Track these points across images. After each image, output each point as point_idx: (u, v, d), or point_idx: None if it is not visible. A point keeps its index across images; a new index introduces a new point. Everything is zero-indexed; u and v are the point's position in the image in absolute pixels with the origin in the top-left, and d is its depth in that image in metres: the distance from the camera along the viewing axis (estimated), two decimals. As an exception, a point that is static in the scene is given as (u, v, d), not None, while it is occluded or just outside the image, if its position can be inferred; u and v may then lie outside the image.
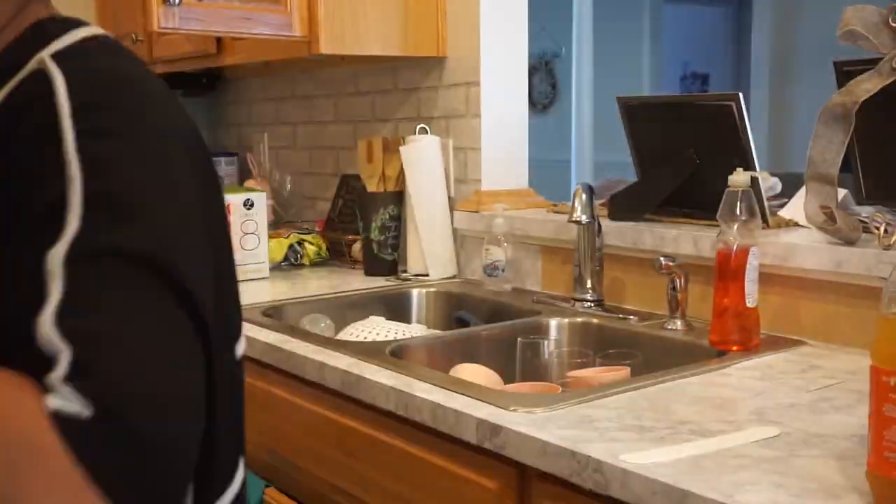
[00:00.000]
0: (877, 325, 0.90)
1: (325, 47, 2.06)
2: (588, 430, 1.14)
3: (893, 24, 1.41)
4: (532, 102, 8.74)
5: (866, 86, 1.43)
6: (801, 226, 1.68)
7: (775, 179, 1.93)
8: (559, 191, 3.39)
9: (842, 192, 1.66)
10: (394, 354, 1.57)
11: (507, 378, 1.66)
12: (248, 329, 1.67)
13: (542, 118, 8.52)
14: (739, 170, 1.51)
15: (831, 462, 1.03)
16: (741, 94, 1.71)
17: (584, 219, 1.78)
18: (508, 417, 1.18)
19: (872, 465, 0.90)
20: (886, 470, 0.87)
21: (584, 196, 1.77)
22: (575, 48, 7.20)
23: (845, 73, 1.52)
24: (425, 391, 1.32)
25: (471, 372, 1.54)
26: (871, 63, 1.46)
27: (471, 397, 1.28)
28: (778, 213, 1.77)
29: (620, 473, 1.02)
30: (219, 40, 2.41)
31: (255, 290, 2.07)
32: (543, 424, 1.15)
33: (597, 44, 7.90)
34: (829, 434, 1.11)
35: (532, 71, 8.67)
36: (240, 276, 0.95)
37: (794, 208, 1.70)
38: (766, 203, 1.72)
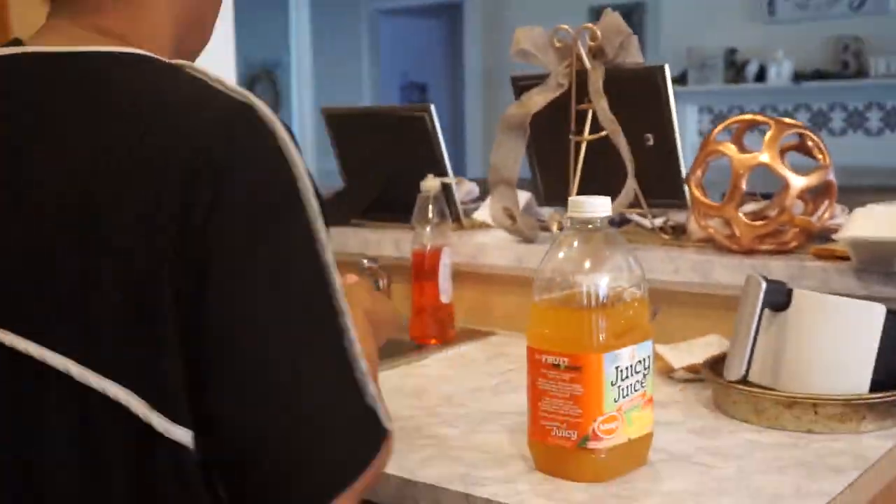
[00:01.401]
0: (530, 311, 0.96)
1: None
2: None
3: (558, 45, 1.51)
4: (255, 111, 8.66)
5: (537, 98, 1.52)
6: (491, 226, 1.74)
7: (472, 184, 2.00)
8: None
9: (526, 196, 1.74)
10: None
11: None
12: None
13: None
14: (430, 176, 1.56)
15: (504, 435, 1.08)
16: (433, 106, 1.76)
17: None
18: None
19: (531, 434, 0.96)
20: (542, 436, 0.94)
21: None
22: (294, 59, 7.17)
23: (520, 87, 1.59)
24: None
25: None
26: (542, 79, 1.55)
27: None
28: (473, 215, 1.83)
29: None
30: None
31: None
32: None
33: (316, 54, 8.01)
34: (506, 412, 1.16)
35: (254, 80, 8.59)
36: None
37: (486, 210, 1.76)
38: (459, 206, 1.78)
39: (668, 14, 6.19)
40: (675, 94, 5.49)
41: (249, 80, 8.61)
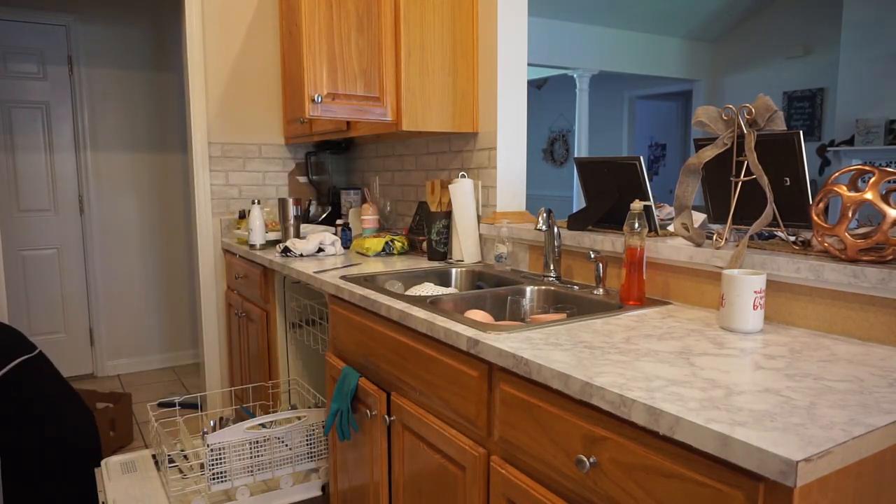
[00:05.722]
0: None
1: (406, 126, 2.12)
2: (526, 344, 1.18)
3: (725, 118, 1.41)
4: (553, 160, 8.70)
5: (709, 152, 1.43)
6: (676, 235, 1.66)
7: (670, 208, 1.91)
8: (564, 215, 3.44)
9: (702, 216, 1.64)
10: (431, 303, 1.61)
11: (499, 319, 1.69)
12: (353, 287, 1.76)
13: (559, 170, 8.51)
14: (637, 201, 1.53)
15: (659, 364, 1.05)
16: (641, 157, 1.70)
17: (543, 228, 1.79)
18: (484, 336, 1.23)
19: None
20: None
21: (544, 214, 1.79)
22: (577, 126, 7.15)
23: (698, 144, 1.51)
24: (441, 322, 1.37)
25: (475, 314, 1.58)
26: (712, 140, 1.47)
27: (467, 325, 1.32)
28: (667, 227, 1.76)
29: (536, 366, 1.06)
30: (348, 122, 2.47)
31: (362, 267, 2.11)
32: (503, 341, 1.20)
33: (592, 124, 8.09)
34: (663, 351, 1.12)
35: (554, 140, 8.65)
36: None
37: (674, 225, 1.69)
38: (657, 221, 1.72)
39: (843, 94, 5.41)
40: (844, 152, 4.82)
41: (551, 140, 8.72)
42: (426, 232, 2.28)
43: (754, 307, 1.21)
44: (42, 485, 1.05)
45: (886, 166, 5.07)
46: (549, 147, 8.72)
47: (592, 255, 1.65)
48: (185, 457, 2.11)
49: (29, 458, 1.07)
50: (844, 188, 1.18)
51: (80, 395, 2.84)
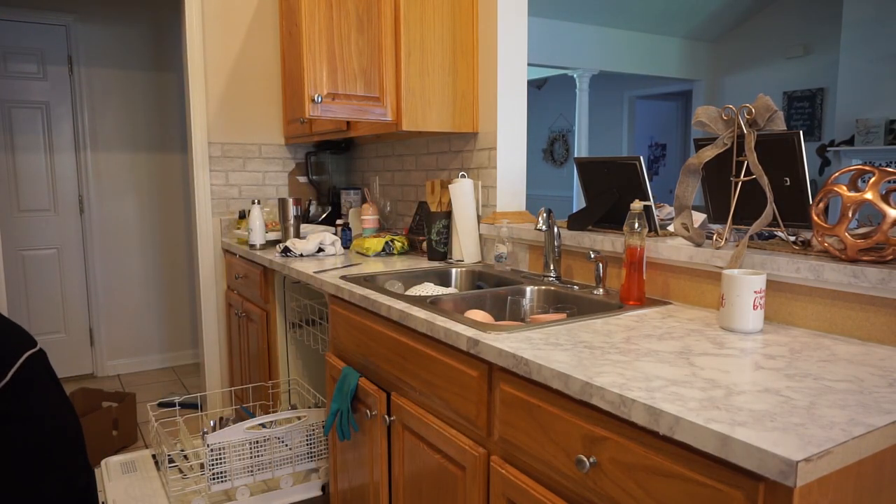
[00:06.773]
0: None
1: (406, 126, 2.12)
2: (526, 344, 1.18)
3: (725, 118, 1.41)
4: (553, 160, 8.70)
5: (709, 152, 1.43)
6: (676, 235, 1.66)
7: (670, 208, 1.91)
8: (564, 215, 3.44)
9: (702, 216, 1.64)
10: (431, 303, 1.61)
11: (499, 319, 1.69)
12: (353, 287, 1.76)
13: (559, 170, 8.52)
14: (637, 201, 1.53)
15: (659, 364, 1.04)
16: (641, 157, 1.70)
17: (543, 228, 1.79)
18: (484, 336, 1.23)
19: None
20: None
21: (544, 215, 1.79)
22: (577, 126, 7.14)
23: (698, 144, 1.51)
24: (441, 322, 1.36)
25: (475, 314, 1.58)
26: (712, 140, 1.47)
27: (467, 325, 1.32)
28: (667, 227, 1.76)
29: (536, 366, 1.06)
30: (348, 122, 2.47)
31: (362, 267, 2.12)
32: (503, 341, 1.19)
33: (592, 124, 8.09)
34: (663, 351, 1.12)
35: (554, 140, 8.65)
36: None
37: (674, 225, 1.70)
38: (657, 221, 1.71)
39: (843, 94, 5.41)
40: (844, 152, 4.82)
41: (551, 140, 8.71)
42: (426, 232, 2.28)
43: (754, 307, 1.21)
44: (40, 482, 1.03)
45: (886, 166, 5.07)
46: (549, 147, 8.72)
47: (592, 255, 1.65)
48: (185, 457, 2.11)
49: (31, 454, 1.05)
50: (844, 188, 1.18)
51: (86, 393, 2.85)
